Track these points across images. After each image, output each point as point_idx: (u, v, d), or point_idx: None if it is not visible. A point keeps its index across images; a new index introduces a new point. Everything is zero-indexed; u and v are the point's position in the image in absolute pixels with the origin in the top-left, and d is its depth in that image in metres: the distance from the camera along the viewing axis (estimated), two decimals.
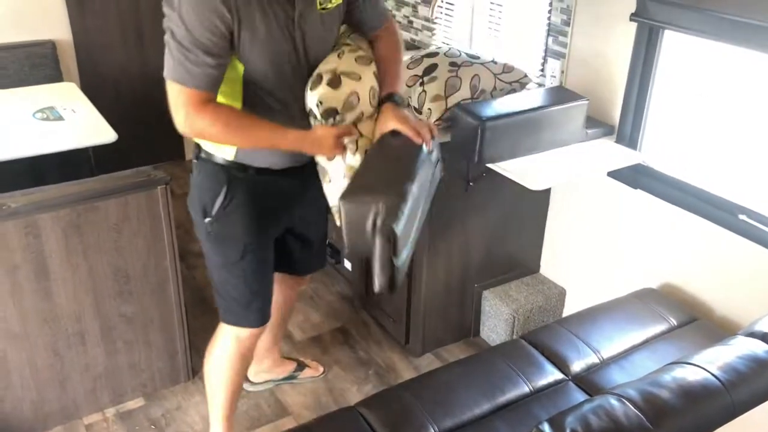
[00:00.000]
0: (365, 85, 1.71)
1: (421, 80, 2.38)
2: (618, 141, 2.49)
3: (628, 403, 1.46)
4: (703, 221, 2.27)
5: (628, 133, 2.46)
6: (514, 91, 2.49)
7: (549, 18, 2.63)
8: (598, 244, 2.67)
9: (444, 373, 2.08)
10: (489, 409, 1.90)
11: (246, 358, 2.13)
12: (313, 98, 1.68)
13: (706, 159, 2.31)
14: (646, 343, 2.15)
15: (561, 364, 2.07)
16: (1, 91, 3.09)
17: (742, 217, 2.17)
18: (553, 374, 2.04)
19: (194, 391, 2.58)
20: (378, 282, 1.59)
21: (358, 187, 1.58)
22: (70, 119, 2.80)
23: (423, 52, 2.54)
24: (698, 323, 2.23)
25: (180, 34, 1.56)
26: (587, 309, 2.30)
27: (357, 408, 1.91)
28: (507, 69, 2.48)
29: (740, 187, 2.21)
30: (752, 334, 1.68)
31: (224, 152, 1.80)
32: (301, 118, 1.74)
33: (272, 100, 1.72)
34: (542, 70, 2.72)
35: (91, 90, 3.31)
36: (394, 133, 1.69)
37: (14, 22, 3.44)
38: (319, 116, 1.68)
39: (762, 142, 2.13)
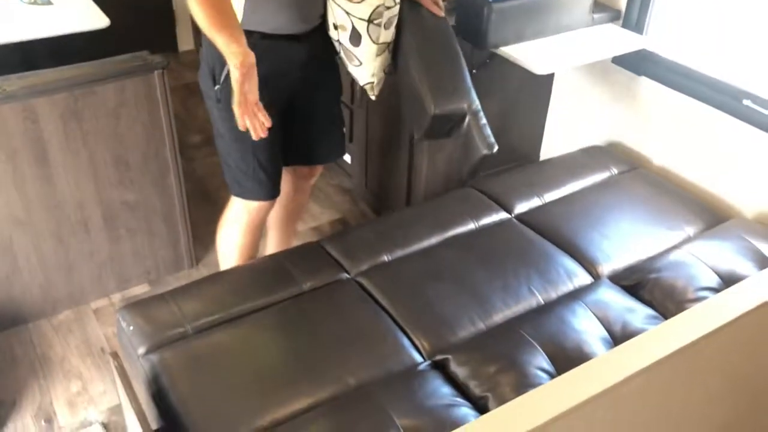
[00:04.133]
0: None
1: None
2: (624, 26, 2.44)
3: None
4: (707, 107, 2.26)
5: (634, 17, 2.41)
6: None
7: None
8: (599, 132, 2.67)
9: (400, 213, 2.40)
10: (437, 242, 2.10)
11: (256, 231, 2.17)
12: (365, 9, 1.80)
13: (713, 44, 2.27)
14: (587, 189, 2.33)
15: (506, 206, 2.26)
16: None
17: (746, 102, 2.16)
18: (498, 214, 2.22)
19: (198, 278, 2.63)
20: (489, 138, 1.96)
21: (443, 92, 1.91)
22: (59, 4, 2.69)
23: None
24: (637, 171, 2.42)
25: None
26: (537, 162, 2.43)
27: (320, 243, 2.11)
28: None
29: (746, 72, 2.19)
30: None
31: None
32: None
33: None
34: None
35: None
36: (412, 3, 1.91)
37: None
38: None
39: None
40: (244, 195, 2.06)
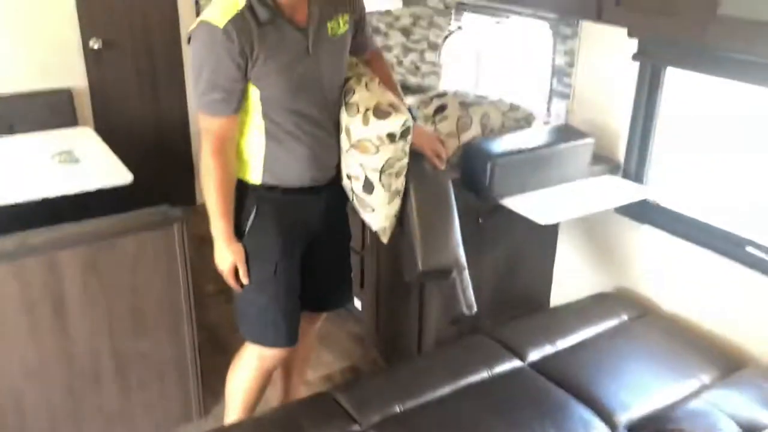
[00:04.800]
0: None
1: (432, 120, 2.45)
2: (624, 176, 2.54)
3: None
4: (711, 254, 2.30)
5: (633, 168, 2.51)
6: (521, 128, 2.55)
7: (553, 60, 2.71)
8: (608, 278, 2.69)
9: (412, 362, 2.43)
10: (450, 391, 2.07)
11: (265, 378, 2.17)
12: (392, 125, 1.87)
13: (712, 192, 2.35)
14: (599, 335, 2.32)
15: (519, 353, 2.24)
16: (21, 136, 3.18)
17: (749, 249, 2.21)
18: (511, 362, 2.20)
19: (206, 429, 2.57)
20: (470, 299, 2.10)
21: (432, 250, 2.03)
22: (87, 162, 2.87)
23: (432, 93, 2.62)
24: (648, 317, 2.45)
25: (202, 76, 1.74)
26: (548, 309, 2.46)
27: (331, 393, 2.07)
28: (514, 107, 2.55)
29: (746, 219, 2.25)
30: None
31: (252, 176, 1.93)
32: (326, 131, 1.95)
33: (293, 117, 1.87)
34: (548, 110, 2.79)
35: (105, 136, 3.39)
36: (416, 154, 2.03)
37: (36, 72, 3.59)
38: (398, 136, 1.89)
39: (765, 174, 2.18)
40: (262, 342, 2.07)
